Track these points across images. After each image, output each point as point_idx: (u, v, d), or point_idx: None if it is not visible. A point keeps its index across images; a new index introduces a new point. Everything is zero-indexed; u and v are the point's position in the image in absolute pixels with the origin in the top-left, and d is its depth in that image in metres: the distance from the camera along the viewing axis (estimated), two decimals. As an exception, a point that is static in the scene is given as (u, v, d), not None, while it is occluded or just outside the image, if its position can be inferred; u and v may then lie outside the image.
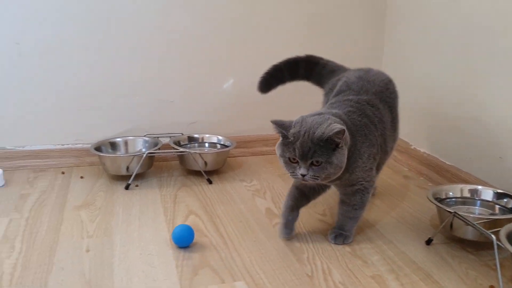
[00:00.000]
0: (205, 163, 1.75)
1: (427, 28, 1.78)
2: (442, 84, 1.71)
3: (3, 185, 1.66)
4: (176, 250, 1.25)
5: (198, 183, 1.72)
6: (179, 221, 1.41)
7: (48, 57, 1.74)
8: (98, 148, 1.77)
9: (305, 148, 1.09)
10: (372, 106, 1.28)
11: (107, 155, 1.74)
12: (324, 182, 1.18)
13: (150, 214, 1.45)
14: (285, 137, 1.13)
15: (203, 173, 1.73)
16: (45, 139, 1.82)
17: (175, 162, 1.91)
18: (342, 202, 1.29)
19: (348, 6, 2.00)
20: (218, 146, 1.90)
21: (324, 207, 1.52)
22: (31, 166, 1.82)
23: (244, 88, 1.95)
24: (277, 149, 1.17)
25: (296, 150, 1.10)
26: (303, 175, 1.11)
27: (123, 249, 1.25)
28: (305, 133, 1.10)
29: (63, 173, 1.78)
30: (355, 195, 1.25)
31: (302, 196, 1.31)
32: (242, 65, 1.94)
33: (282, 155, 1.14)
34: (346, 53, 1.86)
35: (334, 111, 1.22)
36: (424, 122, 1.83)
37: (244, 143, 2.00)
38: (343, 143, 1.11)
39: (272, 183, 1.72)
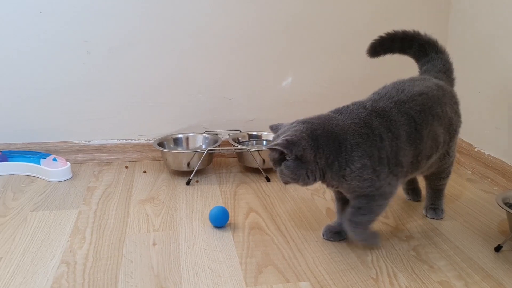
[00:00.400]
0: (263, 160, 1.76)
1: (491, 32, 1.71)
2: (508, 87, 1.65)
3: (70, 178, 1.73)
4: (240, 247, 1.26)
5: (256, 181, 1.73)
6: (240, 218, 1.43)
7: (115, 55, 1.80)
8: (160, 144, 1.82)
9: (273, 161, 1.18)
10: (382, 117, 1.19)
11: (169, 151, 1.79)
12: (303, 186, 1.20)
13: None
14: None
15: (261, 170, 1.74)
16: (110, 134, 1.89)
17: (233, 159, 1.94)
18: (348, 206, 1.25)
19: (411, 7, 1.95)
20: (277, 144, 1.91)
21: (387, 210, 1.50)
22: (96, 160, 1.89)
23: (302, 86, 1.95)
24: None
25: (271, 162, 1.21)
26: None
27: (188, 244, 1.28)
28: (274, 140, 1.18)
29: (126, 167, 1.85)
30: (360, 199, 1.20)
31: (339, 199, 1.32)
32: (300, 63, 1.93)
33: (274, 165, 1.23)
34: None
35: (328, 119, 1.18)
36: (489, 124, 1.76)
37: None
38: (289, 156, 1.12)
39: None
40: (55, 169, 1.70)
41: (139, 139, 1.92)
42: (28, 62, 1.76)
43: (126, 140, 1.91)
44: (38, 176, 1.73)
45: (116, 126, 1.89)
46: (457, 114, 1.36)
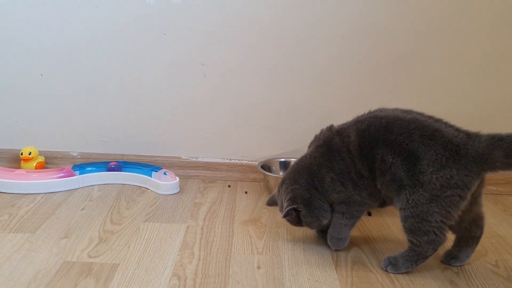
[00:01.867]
0: (365, 193, 1.74)
1: None
2: None
3: (178, 192, 1.83)
4: (343, 281, 1.26)
5: (357, 213, 1.71)
6: (342, 252, 1.42)
7: (227, 78, 1.88)
8: (263, 166, 1.86)
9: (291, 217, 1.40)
10: (340, 135, 1.34)
11: (272, 174, 1.83)
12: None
13: (313, 239, 1.49)
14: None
15: (363, 203, 1.72)
16: (216, 153, 1.97)
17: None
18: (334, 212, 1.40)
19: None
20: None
21: (496, 257, 1.43)
22: (202, 177, 1.98)
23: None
24: None
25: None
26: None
27: (292, 271, 1.29)
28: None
29: (229, 186, 1.91)
30: (341, 205, 1.36)
31: None
32: (404, 94, 1.90)
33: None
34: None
35: (304, 156, 1.41)
36: None
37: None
38: (300, 207, 1.35)
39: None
40: (165, 183, 1.80)
41: (241, 160, 1.98)
42: (147, 82, 1.90)
43: (229, 159, 1.98)
44: (149, 188, 1.84)
45: (222, 146, 1.97)
46: (431, 162, 1.20)
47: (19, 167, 1.89)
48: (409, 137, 1.22)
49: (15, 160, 1.95)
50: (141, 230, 1.50)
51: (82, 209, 1.63)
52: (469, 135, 1.21)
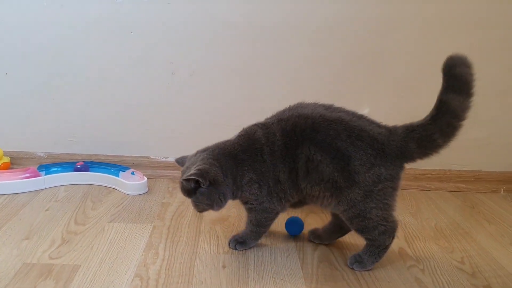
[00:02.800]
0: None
1: None
2: None
3: (146, 192, 1.80)
4: (308, 279, 1.25)
5: (326, 211, 1.71)
6: (309, 250, 1.42)
7: (196, 78, 1.87)
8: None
9: (185, 192, 1.32)
10: (264, 129, 1.30)
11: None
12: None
13: (281, 237, 1.48)
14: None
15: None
16: (185, 152, 1.93)
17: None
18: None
19: None
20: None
21: (462, 254, 1.44)
22: (171, 176, 1.95)
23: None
24: None
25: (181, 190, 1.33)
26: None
27: (257, 270, 1.28)
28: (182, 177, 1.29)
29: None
30: (251, 213, 1.36)
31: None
32: (377, 94, 1.91)
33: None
34: None
35: (224, 141, 1.35)
36: None
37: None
38: (204, 184, 1.25)
39: (404, 222, 1.66)
40: (133, 183, 1.77)
41: (212, 160, 1.96)
42: (115, 80, 1.87)
43: (200, 159, 1.96)
44: (116, 188, 1.81)
45: (191, 145, 1.92)
46: (362, 161, 1.21)
47: (-18, 168, 1.85)
48: (337, 137, 1.22)
49: (-22, 161, 1.90)
50: (105, 230, 1.47)
51: (46, 210, 1.59)
52: (390, 130, 1.24)
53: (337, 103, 1.35)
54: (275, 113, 1.34)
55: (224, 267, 1.29)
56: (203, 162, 1.27)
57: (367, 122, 1.26)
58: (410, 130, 1.22)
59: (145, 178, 1.81)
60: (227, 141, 1.34)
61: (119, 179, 1.79)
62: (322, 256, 1.38)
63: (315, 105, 1.30)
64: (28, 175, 1.76)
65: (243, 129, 1.35)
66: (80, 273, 1.22)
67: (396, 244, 1.48)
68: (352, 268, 1.31)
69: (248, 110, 1.91)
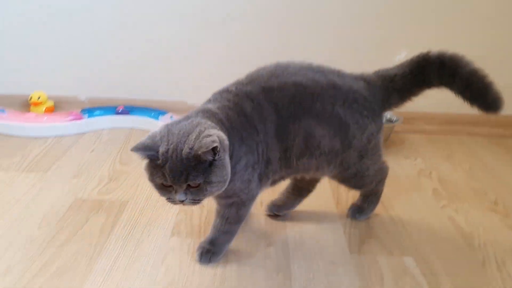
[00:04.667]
0: (369, 135, 1.76)
1: None
2: None
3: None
4: (343, 218, 1.31)
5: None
6: (342, 189, 1.46)
7: (230, 24, 1.88)
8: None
9: (175, 172, 0.90)
10: (253, 101, 1.04)
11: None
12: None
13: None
14: (152, 160, 0.93)
15: (366, 145, 1.75)
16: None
17: (337, 131, 1.95)
18: (217, 213, 1.13)
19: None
20: (384, 120, 1.89)
21: (495, 196, 1.46)
22: (208, 121, 2.01)
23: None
24: (145, 172, 0.96)
25: (167, 175, 0.90)
26: (182, 201, 0.94)
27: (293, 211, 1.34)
28: (173, 152, 0.90)
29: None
30: (231, 208, 1.09)
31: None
32: (416, 36, 1.88)
33: (151, 180, 0.95)
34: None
35: (207, 106, 1.02)
36: None
37: (407, 120, 1.96)
38: (221, 154, 0.92)
39: (437, 164, 1.68)
40: (171, 126, 1.83)
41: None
42: (154, 26, 1.90)
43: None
44: (156, 131, 1.87)
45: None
46: (359, 125, 1.10)
47: (28, 112, 1.93)
48: (336, 104, 1.07)
49: (25, 105, 1.99)
50: (149, 170, 1.54)
51: (92, 151, 1.68)
52: (368, 82, 1.14)
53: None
54: (245, 76, 1.10)
55: (262, 203, 1.35)
56: (209, 126, 0.95)
57: (349, 79, 1.13)
58: (388, 80, 1.14)
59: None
60: (214, 113, 1.01)
61: (159, 122, 1.85)
62: (356, 196, 1.43)
63: (301, 68, 1.10)
64: (73, 118, 1.84)
65: (225, 98, 1.05)
66: (128, 208, 1.31)
67: (430, 184, 1.51)
68: (355, 218, 1.30)
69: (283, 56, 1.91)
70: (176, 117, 1.84)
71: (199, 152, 0.88)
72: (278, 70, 1.08)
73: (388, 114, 1.89)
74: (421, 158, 1.72)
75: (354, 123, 1.09)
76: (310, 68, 1.10)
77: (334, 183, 1.45)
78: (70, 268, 1.07)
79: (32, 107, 1.93)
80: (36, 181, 1.44)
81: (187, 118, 0.98)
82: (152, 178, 0.94)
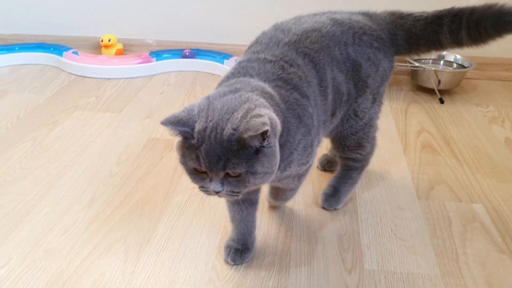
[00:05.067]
0: (439, 81, 1.71)
1: None
2: None
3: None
4: (411, 163, 1.30)
5: (429, 101, 1.70)
6: (411, 136, 1.45)
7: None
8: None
9: (212, 156, 0.73)
10: (291, 64, 0.89)
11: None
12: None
13: (382, 125, 1.51)
14: (186, 137, 0.75)
15: (436, 91, 1.70)
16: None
17: (404, 77, 1.90)
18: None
19: None
20: (454, 65, 1.83)
21: None
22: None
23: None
24: (176, 152, 0.78)
25: (201, 158, 0.73)
26: (217, 192, 0.76)
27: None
28: (211, 131, 0.72)
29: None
30: (286, 188, 1.01)
31: None
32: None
33: (183, 163, 0.77)
34: None
35: (254, 83, 0.83)
36: None
37: (480, 65, 1.88)
38: (271, 140, 0.74)
39: (511, 112, 1.61)
40: (237, 69, 1.85)
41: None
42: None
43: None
44: (221, 75, 1.89)
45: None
46: (371, 61, 0.99)
47: (100, 54, 2.00)
48: (348, 42, 0.97)
49: (96, 47, 2.06)
50: (216, 112, 1.58)
51: (161, 93, 1.73)
52: (368, 15, 1.04)
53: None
54: (257, 42, 0.96)
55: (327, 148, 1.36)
56: (260, 104, 0.76)
57: (345, 13, 1.03)
58: (398, 16, 1.03)
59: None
60: (267, 92, 0.82)
61: (224, 66, 1.87)
62: (425, 142, 1.41)
63: (298, 18, 1.01)
64: (142, 60, 1.89)
65: (269, 71, 0.87)
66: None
67: (502, 133, 1.47)
68: (328, 207, 1.13)
69: None
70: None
71: (245, 136, 0.70)
72: (284, 26, 0.97)
73: (459, 59, 1.81)
74: (494, 106, 1.66)
75: (366, 60, 0.98)
76: (305, 16, 1.02)
77: (402, 127, 1.45)
78: (150, 201, 1.15)
79: (103, 50, 2.00)
80: (111, 121, 1.52)
81: (236, 90, 0.79)
82: (183, 160, 0.76)
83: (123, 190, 1.18)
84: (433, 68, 1.72)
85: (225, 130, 0.72)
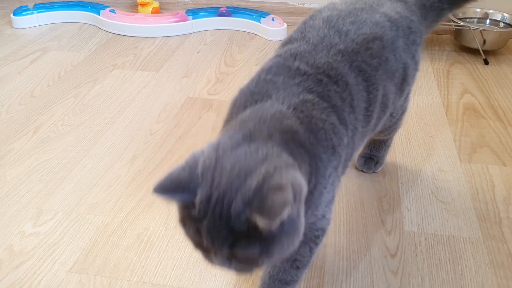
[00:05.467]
0: (484, 41, 1.64)
1: None
2: None
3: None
4: (453, 125, 1.27)
5: (473, 62, 1.64)
6: (454, 98, 1.41)
7: None
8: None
9: (217, 234, 0.56)
10: (336, 83, 0.71)
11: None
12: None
13: (423, 86, 1.48)
14: (186, 206, 0.58)
15: (481, 51, 1.63)
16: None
17: (447, 36, 1.84)
18: None
19: None
20: (501, 24, 1.75)
21: None
22: (310, 23, 1.96)
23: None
24: (177, 213, 0.61)
25: (203, 234, 0.57)
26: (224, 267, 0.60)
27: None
28: (217, 202, 0.56)
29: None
30: (300, 248, 0.73)
31: None
32: None
33: (185, 233, 0.60)
34: None
35: (271, 116, 0.64)
36: None
37: (528, 25, 1.79)
38: (293, 212, 0.56)
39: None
40: (273, 29, 1.82)
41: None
42: None
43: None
44: (258, 34, 1.87)
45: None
46: (415, 60, 0.87)
47: (136, 12, 2.00)
48: (401, 46, 0.83)
49: (133, 6, 2.06)
50: (253, 73, 1.57)
51: (198, 52, 1.73)
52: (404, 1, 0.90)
53: None
54: (298, 31, 0.83)
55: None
56: (275, 163, 0.57)
57: (389, 2, 0.87)
58: None
59: (285, 24, 1.84)
60: (293, 131, 0.64)
61: (261, 24, 1.85)
62: (468, 104, 1.37)
63: (355, 11, 0.81)
64: (178, 19, 1.88)
65: (306, 86, 0.69)
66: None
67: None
68: (362, 171, 1.12)
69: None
70: (277, 19, 1.83)
71: (258, 223, 0.54)
72: (340, 23, 0.78)
73: (507, 18, 1.73)
74: (542, 67, 1.59)
75: (411, 60, 0.85)
76: (360, 8, 0.83)
77: (444, 88, 1.42)
78: (189, 160, 1.16)
79: (139, 8, 1.99)
80: (149, 79, 1.53)
81: (250, 137, 0.61)
82: (183, 227, 0.60)
83: (163, 148, 1.20)
84: (478, 27, 1.65)
85: (234, 204, 0.55)
